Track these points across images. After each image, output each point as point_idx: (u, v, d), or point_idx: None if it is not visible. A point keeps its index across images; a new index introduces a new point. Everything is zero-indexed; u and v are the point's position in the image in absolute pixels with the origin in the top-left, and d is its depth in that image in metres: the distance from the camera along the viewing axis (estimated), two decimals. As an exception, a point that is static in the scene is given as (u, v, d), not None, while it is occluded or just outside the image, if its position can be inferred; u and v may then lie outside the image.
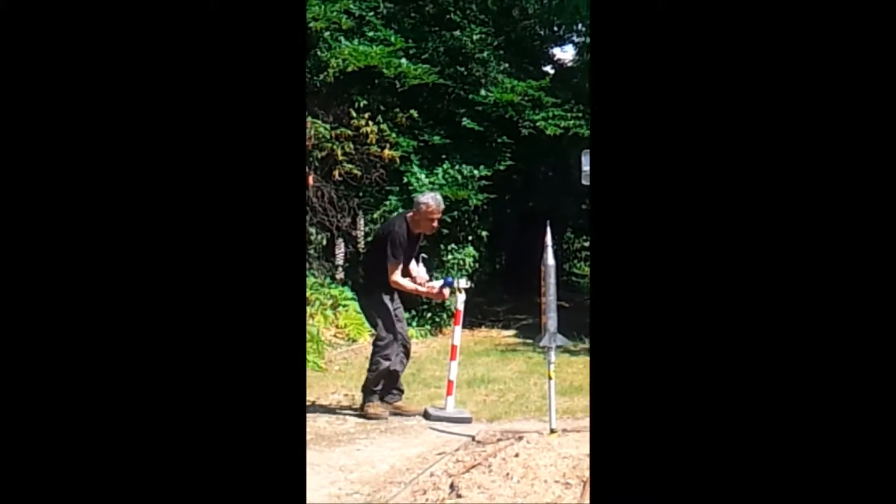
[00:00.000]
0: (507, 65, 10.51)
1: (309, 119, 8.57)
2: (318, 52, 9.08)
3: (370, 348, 5.35)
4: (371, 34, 9.49)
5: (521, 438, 4.05)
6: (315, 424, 4.85)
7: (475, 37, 10.18)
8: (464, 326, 5.44)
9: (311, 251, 9.13)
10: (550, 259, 4.25)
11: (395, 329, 5.04)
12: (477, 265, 9.98)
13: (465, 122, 9.87)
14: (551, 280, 4.22)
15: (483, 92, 9.99)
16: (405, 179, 9.29)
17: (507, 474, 3.46)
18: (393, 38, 9.46)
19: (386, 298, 5.05)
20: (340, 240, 9.72)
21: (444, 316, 9.30)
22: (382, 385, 5.11)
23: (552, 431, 4.15)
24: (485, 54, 10.28)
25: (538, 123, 9.91)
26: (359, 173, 9.26)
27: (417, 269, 5.28)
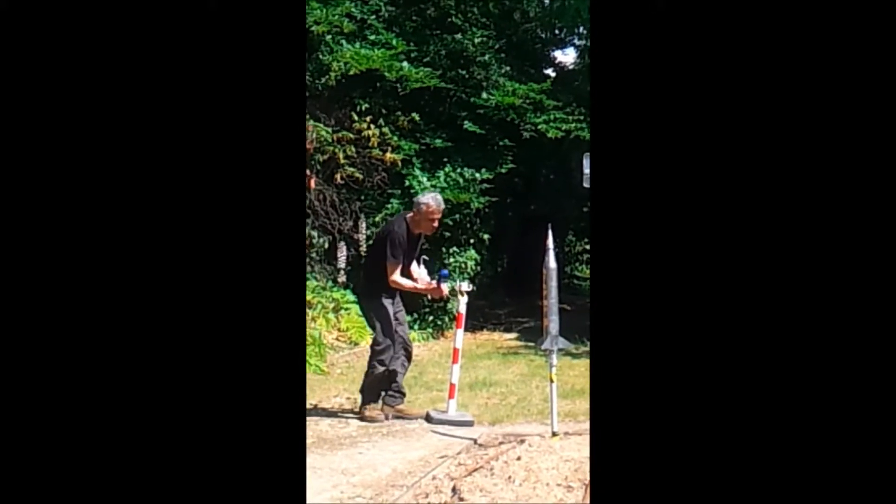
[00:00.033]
0: (508, 68, 10.52)
1: (311, 122, 8.58)
2: (320, 56, 9.09)
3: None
4: (373, 37, 9.51)
5: (522, 441, 4.04)
6: (317, 428, 4.85)
7: (476, 40, 10.19)
8: (465, 329, 5.44)
9: (313, 254, 9.12)
10: (552, 262, 4.25)
11: (394, 334, 5.04)
12: (478, 268, 9.97)
13: (467, 125, 9.88)
14: (553, 283, 4.22)
15: (484, 95, 10.00)
16: (407, 183, 9.29)
17: (509, 477, 3.46)
18: (394, 42, 9.47)
19: (387, 302, 5.04)
20: (342, 243, 9.72)
21: (446, 319, 9.30)
22: (382, 387, 5.11)
23: (554, 434, 4.15)
24: (486, 57, 10.28)
25: (539, 126, 9.92)
26: (360, 177, 9.26)
27: (419, 270, 5.28)
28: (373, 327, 5.23)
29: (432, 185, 9.18)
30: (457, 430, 4.76)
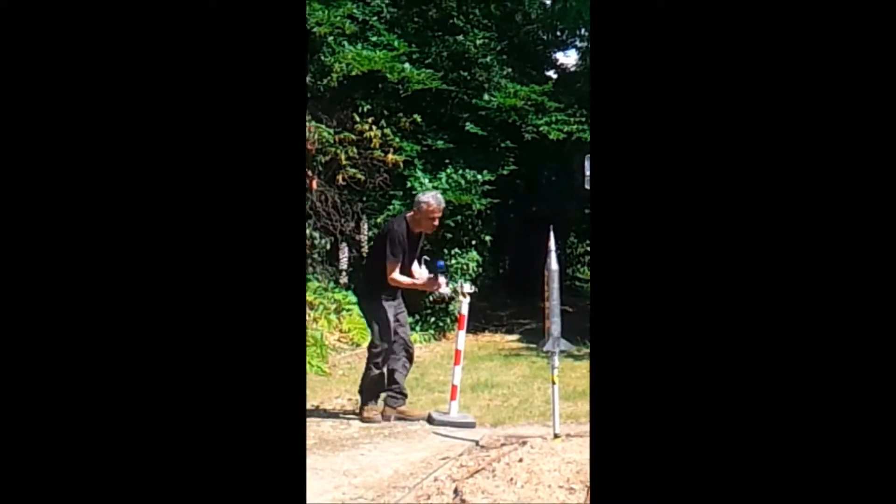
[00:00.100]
0: (510, 69, 10.53)
1: (313, 123, 8.59)
2: (322, 57, 9.10)
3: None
4: (374, 39, 9.52)
5: (524, 443, 4.04)
6: (319, 429, 4.84)
7: (478, 41, 10.20)
8: (467, 331, 5.44)
9: (315, 255, 9.13)
10: (554, 263, 4.25)
11: (391, 337, 5.03)
12: (480, 270, 9.97)
13: (469, 126, 9.89)
14: (555, 284, 4.22)
15: (486, 96, 10.00)
16: (409, 184, 9.30)
17: (511, 479, 3.45)
18: (396, 43, 9.48)
19: (386, 304, 5.03)
20: (344, 244, 9.72)
21: (448, 320, 9.30)
22: (381, 389, 5.11)
23: (556, 436, 4.14)
24: (488, 59, 10.30)
25: (541, 128, 9.93)
26: (362, 178, 9.27)
27: (420, 270, 5.27)
28: (371, 329, 5.24)
29: (434, 187, 9.18)
30: (458, 432, 4.76)
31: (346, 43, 9.21)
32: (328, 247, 9.30)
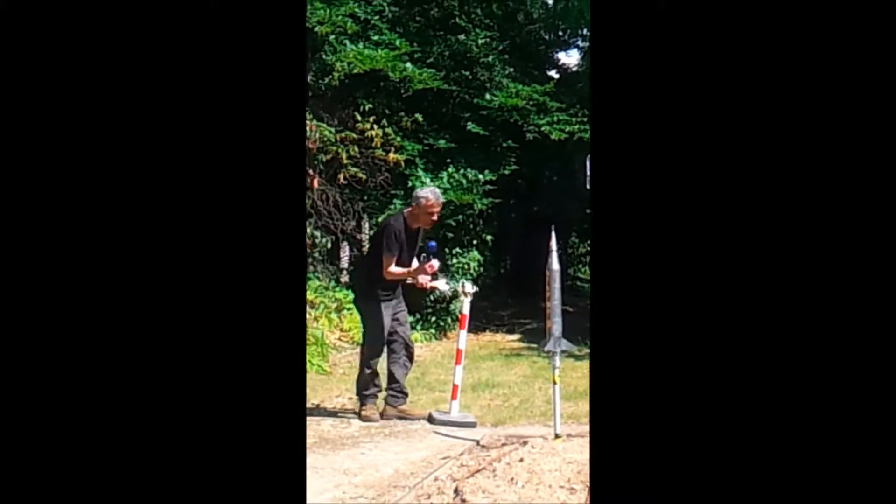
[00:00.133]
0: (511, 69, 10.53)
1: (314, 122, 8.59)
2: (324, 56, 9.10)
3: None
4: (376, 38, 9.52)
5: (525, 443, 4.04)
6: (319, 428, 4.84)
7: (480, 41, 10.20)
8: (468, 330, 5.43)
9: (316, 254, 9.13)
10: (555, 263, 4.24)
11: (383, 337, 5.03)
12: (482, 269, 9.97)
13: (470, 126, 9.89)
14: (556, 284, 4.22)
15: (488, 96, 10.00)
16: (410, 183, 9.29)
17: (512, 479, 3.45)
18: (398, 42, 9.48)
19: (383, 304, 5.01)
20: (345, 243, 9.72)
21: (449, 320, 9.29)
22: (377, 388, 5.11)
23: (557, 436, 4.14)
24: (490, 58, 10.29)
25: (543, 128, 9.92)
26: (364, 177, 9.27)
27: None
28: (364, 328, 5.22)
29: (436, 186, 9.19)
30: (459, 432, 4.75)
31: (347, 42, 9.21)
32: (329, 246, 9.30)
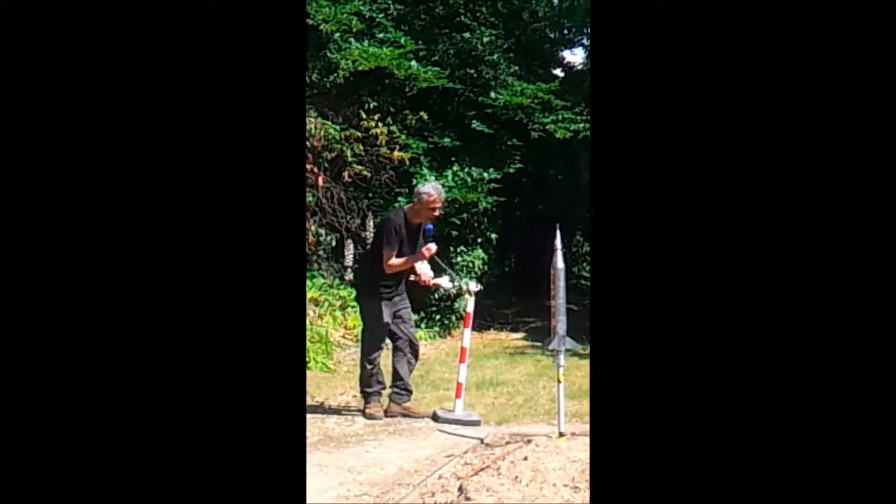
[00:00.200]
0: (516, 67, 10.53)
1: (319, 120, 8.59)
2: (329, 54, 9.10)
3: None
4: (381, 36, 9.52)
5: (529, 442, 4.03)
6: (323, 425, 4.85)
7: (485, 39, 10.20)
8: (473, 329, 5.42)
9: (321, 252, 9.14)
10: (560, 262, 4.23)
11: (382, 335, 5.04)
12: (486, 268, 9.98)
13: (475, 124, 9.89)
14: (560, 283, 4.21)
15: (493, 94, 10.00)
16: (414, 181, 9.28)
17: (516, 477, 3.44)
18: (403, 41, 9.48)
19: (383, 302, 5.01)
20: (349, 241, 9.74)
21: (453, 318, 9.30)
22: (380, 386, 5.11)
23: (561, 435, 4.13)
24: (495, 57, 10.29)
25: (548, 126, 9.92)
26: (368, 175, 9.27)
27: (422, 265, 5.26)
28: (363, 325, 5.22)
29: (440, 184, 9.19)
30: (463, 430, 4.75)
31: (352, 40, 9.22)
32: (333, 243, 9.31)
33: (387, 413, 5.06)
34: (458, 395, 5.05)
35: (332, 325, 8.11)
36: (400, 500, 3.45)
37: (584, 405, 5.25)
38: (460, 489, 3.41)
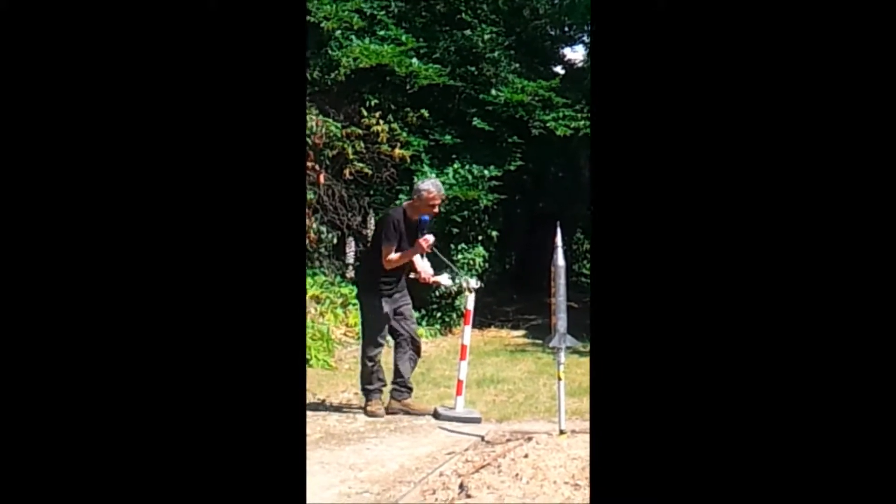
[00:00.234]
0: (517, 65, 10.52)
1: (320, 117, 8.59)
2: (330, 51, 9.10)
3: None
4: (382, 33, 9.52)
5: (530, 439, 4.04)
6: (325, 423, 4.86)
7: (486, 36, 10.19)
8: (473, 326, 5.43)
9: (322, 250, 9.14)
10: (560, 260, 4.24)
11: (381, 333, 5.04)
12: (487, 265, 9.98)
13: (476, 122, 9.89)
14: (561, 281, 4.22)
15: (493, 92, 10.00)
16: (415, 179, 9.29)
17: (517, 475, 3.46)
18: (404, 38, 9.48)
19: (383, 299, 5.02)
20: (351, 239, 9.74)
21: (454, 315, 9.31)
22: (381, 383, 5.12)
23: (562, 432, 4.14)
24: (495, 54, 10.29)
25: (549, 124, 9.92)
26: (369, 172, 9.28)
27: (422, 262, 5.27)
28: (363, 322, 5.22)
29: (441, 182, 9.19)
30: (464, 427, 4.76)
31: (353, 37, 9.22)
32: (335, 241, 9.31)
33: (387, 410, 5.07)
34: (458, 393, 5.06)
35: (333, 323, 8.11)
36: (401, 498, 3.46)
37: (585, 402, 5.25)
38: (461, 486, 3.42)
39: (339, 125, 8.98)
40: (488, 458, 3.80)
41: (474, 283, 5.26)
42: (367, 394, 5.11)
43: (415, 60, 9.45)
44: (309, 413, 5.03)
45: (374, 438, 4.54)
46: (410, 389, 5.18)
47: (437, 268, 5.40)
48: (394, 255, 4.96)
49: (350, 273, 9.47)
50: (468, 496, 3.29)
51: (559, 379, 4.26)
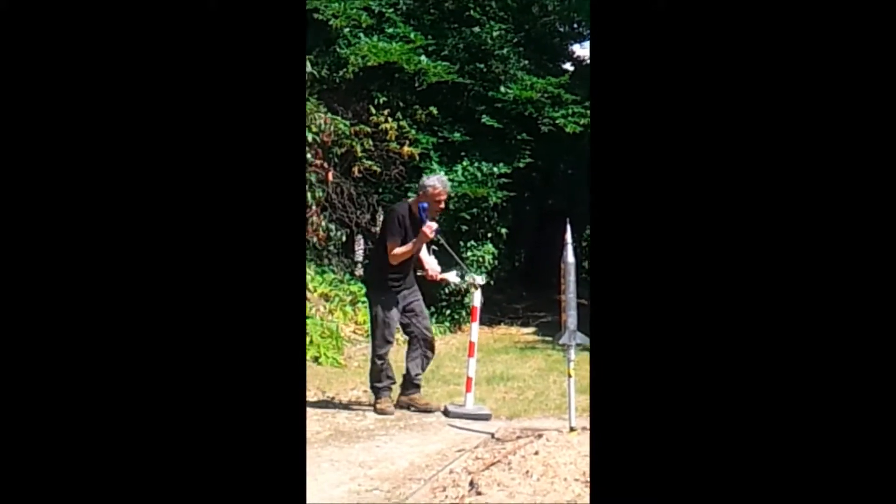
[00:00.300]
0: (526, 62, 10.50)
1: (328, 115, 8.60)
2: (338, 49, 9.11)
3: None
4: (391, 31, 9.52)
5: (540, 436, 4.03)
6: (334, 420, 4.86)
7: (495, 33, 10.17)
8: (483, 323, 5.44)
9: (331, 247, 9.15)
10: (570, 256, 4.23)
11: (388, 330, 5.03)
12: (496, 262, 9.98)
13: (485, 119, 9.88)
14: (571, 278, 4.20)
15: (503, 89, 9.98)
16: (424, 176, 9.30)
17: (527, 472, 3.45)
18: (412, 35, 9.48)
19: (392, 295, 5.00)
20: (360, 236, 9.75)
21: (463, 313, 9.30)
22: (390, 381, 5.11)
23: (572, 429, 4.13)
24: (504, 51, 10.27)
25: (558, 121, 9.90)
26: (378, 170, 9.28)
27: (430, 259, 5.26)
28: (371, 320, 5.23)
29: (450, 180, 9.19)
30: (474, 424, 4.76)
31: (362, 35, 9.22)
32: (344, 239, 9.32)
33: (396, 404, 5.07)
34: (468, 390, 5.05)
35: (342, 321, 8.12)
36: (411, 495, 3.46)
37: (595, 400, 5.24)
38: (471, 484, 3.41)
39: (347, 123, 8.98)
40: (498, 456, 3.80)
41: (480, 279, 5.25)
42: (377, 391, 5.10)
43: (423, 58, 9.44)
44: (318, 411, 5.03)
45: (383, 436, 4.54)
46: (418, 387, 5.18)
47: (446, 265, 5.39)
48: (399, 249, 4.95)
49: (359, 271, 9.47)
50: (478, 493, 3.29)
51: (569, 376, 4.25)
